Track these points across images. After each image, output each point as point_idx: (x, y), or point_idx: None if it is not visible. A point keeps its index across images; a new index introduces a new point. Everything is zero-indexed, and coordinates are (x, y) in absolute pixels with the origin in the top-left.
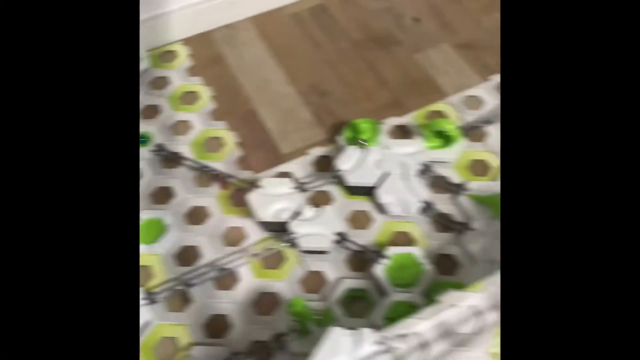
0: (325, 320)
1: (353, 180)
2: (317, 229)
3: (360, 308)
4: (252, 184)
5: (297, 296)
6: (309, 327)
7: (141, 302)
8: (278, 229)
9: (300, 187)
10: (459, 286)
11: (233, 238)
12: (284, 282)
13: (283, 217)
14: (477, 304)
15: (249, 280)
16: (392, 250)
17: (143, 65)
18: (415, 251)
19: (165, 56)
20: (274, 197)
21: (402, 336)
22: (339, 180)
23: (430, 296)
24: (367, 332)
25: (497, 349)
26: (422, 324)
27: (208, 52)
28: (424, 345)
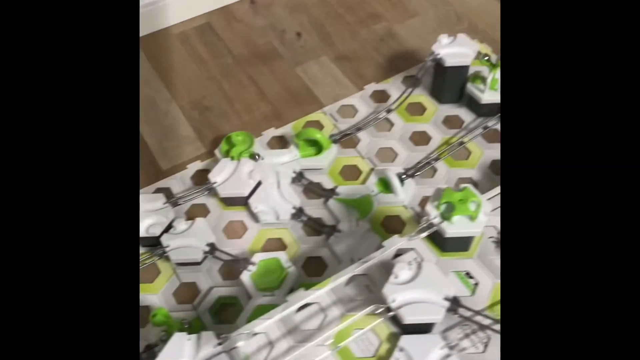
0: (194, 329)
1: (227, 191)
2: (190, 241)
3: (230, 314)
4: None
5: (160, 307)
6: None
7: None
8: (151, 244)
9: (174, 201)
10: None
11: None
12: (158, 295)
13: (153, 232)
14: (321, 301)
15: None
16: (259, 257)
17: None
18: (281, 256)
19: None
20: (146, 213)
21: (245, 336)
22: (214, 192)
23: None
24: (207, 334)
25: (335, 340)
26: (265, 323)
27: None
28: (268, 344)
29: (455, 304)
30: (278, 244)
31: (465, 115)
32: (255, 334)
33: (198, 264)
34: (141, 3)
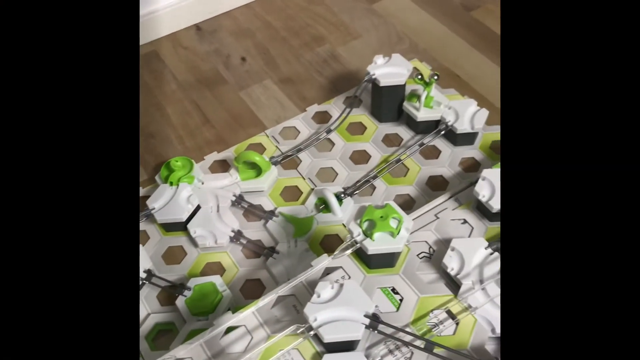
0: None
1: (164, 217)
2: None
3: (166, 341)
4: None
5: None
6: None
7: None
8: None
9: None
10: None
11: None
12: None
13: None
14: (247, 323)
15: None
16: (195, 281)
17: None
18: (216, 279)
19: None
20: None
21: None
22: (153, 218)
23: None
24: None
25: None
26: (189, 348)
27: None
28: None
29: (375, 320)
30: (217, 268)
31: (404, 133)
32: None
33: None
34: None
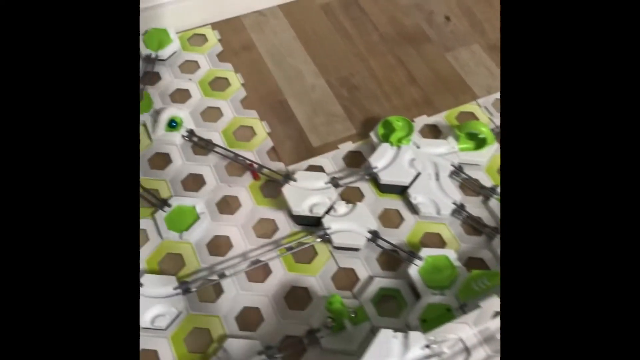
0: (358, 319)
1: (387, 178)
2: (350, 225)
3: (391, 307)
4: (287, 177)
5: (333, 293)
6: (344, 324)
7: (173, 291)
8: (311, 224)
9: (335, 182)
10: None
11: (265, 230)
12: (316, 278)
13: (317, 212)
14: None
15: (280, 273)
16: (426, 252)
17: (173, 47)
18: (450, 254)
19: (194, 39)
20: (309, 192)
21: (448, 341)
22: (372, 178)
23: (462, 299)
24: (415, 335)
25: None
26: (465, 329)
27: (238, 37)
28: (466, 351)
29: None
30: (436, 239)
31: None
32: (460, 340)
33: (357, 250)
34: None
